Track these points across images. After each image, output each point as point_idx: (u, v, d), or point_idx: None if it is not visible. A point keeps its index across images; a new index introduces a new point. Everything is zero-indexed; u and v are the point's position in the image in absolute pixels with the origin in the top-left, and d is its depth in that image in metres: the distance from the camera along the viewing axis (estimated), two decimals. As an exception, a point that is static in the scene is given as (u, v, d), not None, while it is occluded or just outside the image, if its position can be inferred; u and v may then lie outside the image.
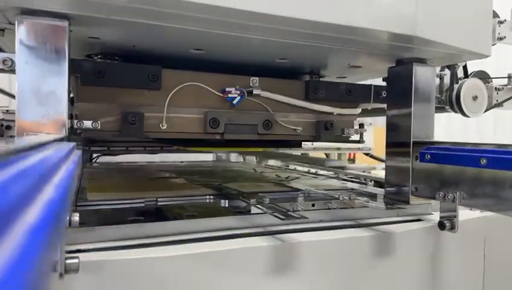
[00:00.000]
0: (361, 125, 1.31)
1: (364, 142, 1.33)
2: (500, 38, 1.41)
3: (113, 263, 0.71)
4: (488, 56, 1.09)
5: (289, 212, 0.87)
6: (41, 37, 0.76)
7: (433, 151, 1.01)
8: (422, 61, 1.11)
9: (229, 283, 0.78)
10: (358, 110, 1.32)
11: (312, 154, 3.10)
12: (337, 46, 0.99)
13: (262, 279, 0.81)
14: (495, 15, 1.41)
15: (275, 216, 0.86)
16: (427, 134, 1.12)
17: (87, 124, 0.95)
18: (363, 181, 1.50)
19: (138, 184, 1.34)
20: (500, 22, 1.41)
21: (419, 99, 1.11)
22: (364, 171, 1.60)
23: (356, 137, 1.32)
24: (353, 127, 1.30)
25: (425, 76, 1.12)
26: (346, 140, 1.32)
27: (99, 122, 0.96)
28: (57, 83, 0.77)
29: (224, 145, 1.37)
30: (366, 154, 2.95)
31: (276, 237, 0.85)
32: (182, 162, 2.31)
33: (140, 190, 1.20)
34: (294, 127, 1.22)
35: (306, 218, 0.86)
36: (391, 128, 1.17)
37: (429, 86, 1.13)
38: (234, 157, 2.64)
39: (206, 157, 2.60)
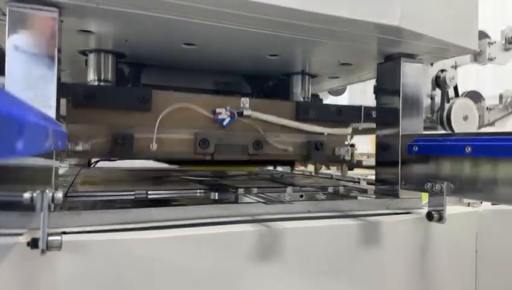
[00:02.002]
0: (352, 146, 1.33)
1: (355, 162, 1.34)
2: (491, 59, 1.43)
3: (96, 244, 0.72)
4: (474, 51, 1.10)
5: (275, 199, 0.87)
6: (31, 24, 0.78)
7: (420, 143, 1.01)
8: (410, 56, 1.13)
9: (212, 266, 0.79)
10: (349, 130, 1.34)
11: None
12: (325, 40, 1.01)
13: (245, 263, 0.81)
14: (485, 36, 1.43)
15: (260, 201, 0.86)
16: (416, 129, 1.12)
17: (79, 147, 0.98)
18: (357, 180, 1.50)
19: (131, 181, 1.35)
20: (490, 43, 1.42)
21: (407, 95, 1.12)
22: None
23: (347, 157, 1.34)
24: (344, 147, 1.31)
25: (413, 72, 1.13)
26: (338, 159, 1.34)
27: (89, 143, 1.00)
28: (46, 69, 0.79)
29: (215, 163, 1.38)
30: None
31: (262, 224, 0.86)
32: (179, 166, 2.32)
33: (132, 185, 1.21)
34: (285, 147, 1.23)
35: (291, 203, 0.86)
36: (381, 124, 1.18)
37: (417, 82, 1.14)
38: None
39: (204, 163, 2.60)
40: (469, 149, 0.87)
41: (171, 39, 1.04)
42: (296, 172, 1.93)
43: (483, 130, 1.51)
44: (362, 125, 1.42)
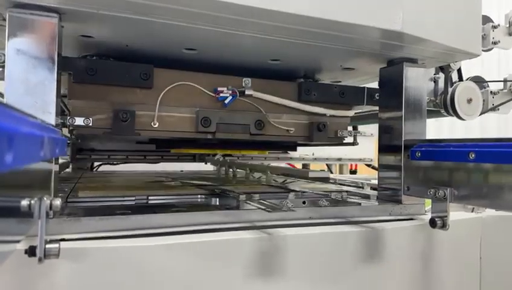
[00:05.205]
0: (354, 128, 1.31)
1: (357, 144, 1.33)
2: (495, 43, 1.41)
3: (95, 251, 0.71)
4: (478, 55, 1.09)
5: (277, 206, 0.86)
6: (32, 30, 0.78)
7: (423, 149, 1.00)
8: (413, 61, 1.12)
9: (213, 273, 0.78)
10: (352, 112, 1.32)
11: (313, 165, 3.09)
12: (327, 45, 1.00)
13: (246, 270, 0.80)
14: (489, 20, 1.42)
15: (263, 209, 0.85)
16: (419, 134, 1.11)
17: (79, 120, 0.97)
18: (360, 185, 1.49)
19: (132, 186, 1.35)
20: (494, 27, 1.41)
21: (410, 99, 1.11)
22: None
23: (350, 139, 1.32)
24: (346, 129, 1.30)
25: (416, 77, 1.12)
26: (340, 142, 1.32)
27: (90, 119, 0.98)
28: (46, 75, 0.78)
29: (217, 147, 1.37)
30: (368, 165, 2.93)
31: (263, 231, 0.85)
32: (181, 171, 2.32)
33: (133, 190, 1.20)
34: (287, 128, 1.22)
35: (293, 211, 0.86)
36: (383, 129, 1.17)
37: (420, 87, 1.13)
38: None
39: (206, 168, 2.61)
40: (472, 155, 0.85)
41: (171, 44, 1.04)
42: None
43: (487, 131, 1.50)
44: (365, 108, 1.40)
